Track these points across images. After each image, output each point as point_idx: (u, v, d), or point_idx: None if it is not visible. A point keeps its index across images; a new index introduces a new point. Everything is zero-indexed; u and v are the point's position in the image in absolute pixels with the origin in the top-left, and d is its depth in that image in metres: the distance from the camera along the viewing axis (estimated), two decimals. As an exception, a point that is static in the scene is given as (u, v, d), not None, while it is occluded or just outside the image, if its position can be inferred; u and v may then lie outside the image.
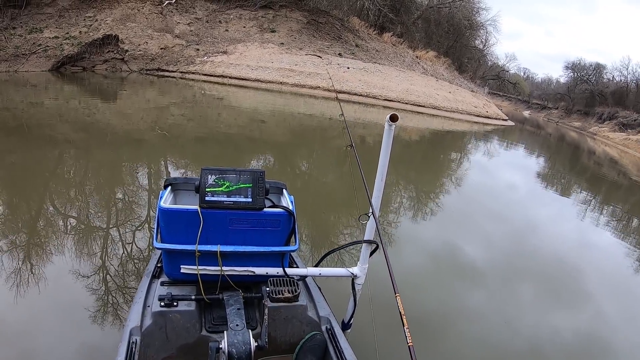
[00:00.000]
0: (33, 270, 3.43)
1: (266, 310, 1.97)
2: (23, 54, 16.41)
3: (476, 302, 3.98)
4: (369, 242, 2.33)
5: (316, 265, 2.49)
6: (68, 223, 4.52)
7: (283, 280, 2.15)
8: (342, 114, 3.35)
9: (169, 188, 2.43)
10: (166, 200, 2.27)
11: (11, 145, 7.24)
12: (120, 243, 4.15)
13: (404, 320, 1.59)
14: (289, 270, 2.30)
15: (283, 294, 2.07)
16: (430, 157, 12.43)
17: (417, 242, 5.36)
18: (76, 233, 4.28)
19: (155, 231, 2.22)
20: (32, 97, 12.49)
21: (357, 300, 2.40)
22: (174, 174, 6.67)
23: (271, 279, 2.16)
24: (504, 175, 11.44)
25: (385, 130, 2.10)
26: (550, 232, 6.76)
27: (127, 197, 5.52)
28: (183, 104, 14.17)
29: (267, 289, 2.08)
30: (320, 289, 2.48)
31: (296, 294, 2.11)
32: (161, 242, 2.18)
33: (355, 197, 2.49)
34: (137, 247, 4.10)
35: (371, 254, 2.35)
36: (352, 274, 2.37)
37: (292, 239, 2.31)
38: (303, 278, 2.41)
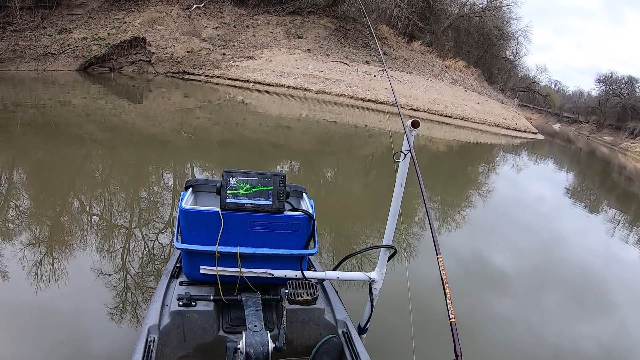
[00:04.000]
0: (54, 265, 3.45)
1: (284, 312, 1.97)
2: (52, 54, 16.58)
3: (503, 309, 4.02)
4: (387, 246, 2.31)
5: (334, 269, 2.47)
6: (91, 220, 4.54)
7: (301, 282, 2.08)
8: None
9: (190, 189, 2.44)
10: (187, 201, 2.27)
11: (39, 142, 7.40)
12: (143, 242, 4.14)
13: (446, 290, 1.42)
14: (308, 274, 2.29)
15: (301, 297, 2.02)
16: (457, 169, 12.00)
17: (443, 251, 5.14)
18: (99, 230, 4.30)
19: (175, 231, 2.24)
20: (60, 95, 12.57)
21: (374, 304, 2.39)
22: (199, 176, 6.68)
23: (290, 281, 2.09)
24: (532, 189, 11.07)
25: (405, 136, 2.08)
26: (577, 246, 6.63)
27: (151, 197, 5.55)
28: (208, 107, 14.05)
29: (286, 291, 2.02)
30: (337, 293, 2.49)
31: (314, 297, 2.04)
32: (181, 243, 2.18)
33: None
34: (159, 246, 4.09)
35: (389, 258, 2.35)
36: (370, 278, 2.36)
37: (312, 242, 2.30)
38: (321, 281, 2.42)
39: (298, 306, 2.07)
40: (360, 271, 2.45)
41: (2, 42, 15.75)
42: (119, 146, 7.80)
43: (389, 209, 2.29)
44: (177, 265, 2.45)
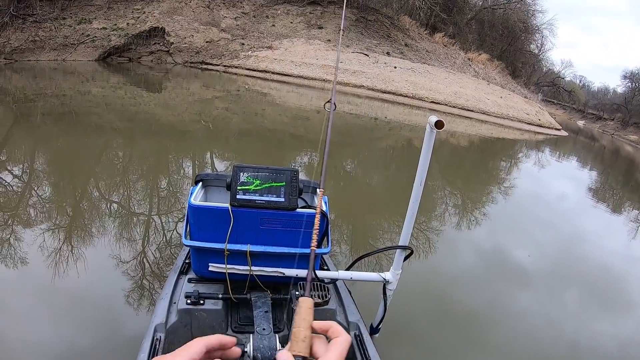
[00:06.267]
0: (73, 251, 3.45)
1: (294, 315, 1.64)
2: (72, 44, 16.63)
3: (521, 304, 4.02)
4: (403, 247, 2.21)
5: (348, 269, 2.36)
6: (110, 208, 4.55)
7: (313, 284, 1.85)
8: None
9: (200, 184, 2.37)
10: (196, 196, 2.22)
11: (59, 130, 7.44)
12: (162, 233, 4.11)
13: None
14: (320, 273, 2.21)
15: (313, 298, 1.67)
16: (479, 164, 11.68)
17: (466, 245, 5.30)
18: (117, 218, 4.29)
19: (184, 228, 2.18)
20: (80, 85, 12.56)
21: (387, 305, 2.32)
22: (218, 166, 6.65)
23: (300, 282, 1.83)
24: (554, 186, 10.73)
25: (426, 134, 1.93)
26: (598, 245, 6.48)
27: (170, 187, 5.51)
28: (227, 98, 13.92)
29: (297, 292, 1.80)
30: (350, 293, 2.41)
31: (326, 299, 1.83)
32: (190, 239, 2.12)
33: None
34: (176, 236, 4.04)
35: (405, 259, 2.25)
36: (384, 279, 2.27)
37: (324, 241, 2.21)
38: (334, 281, 2.36)
39: None
40: (375, 270, 2.40)
41: (23, 32, 15.82)
42: (138, 135, 7.74)
43: (407, 207, 2.16)
44: (186, 261, 2.40)
